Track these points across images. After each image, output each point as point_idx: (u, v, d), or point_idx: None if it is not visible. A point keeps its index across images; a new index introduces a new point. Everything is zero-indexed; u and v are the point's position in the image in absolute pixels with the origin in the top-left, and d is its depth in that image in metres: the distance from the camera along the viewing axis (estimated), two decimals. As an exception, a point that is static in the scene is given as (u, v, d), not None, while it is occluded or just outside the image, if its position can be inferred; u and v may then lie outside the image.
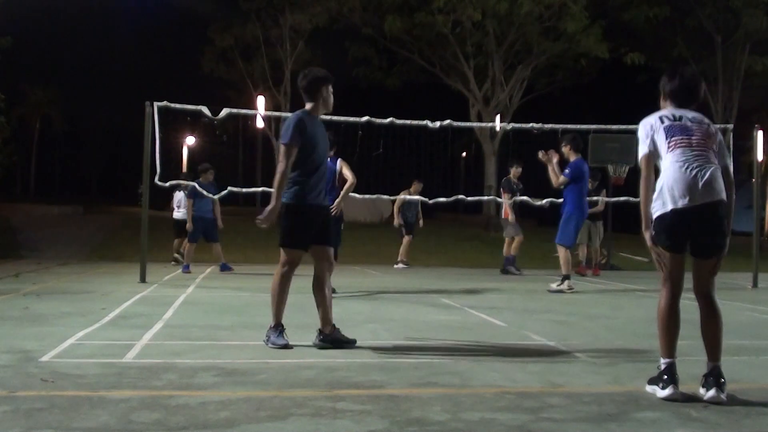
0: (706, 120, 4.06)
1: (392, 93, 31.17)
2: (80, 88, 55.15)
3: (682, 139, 3.90)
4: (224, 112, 11.05)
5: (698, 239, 3.89)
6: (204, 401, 3.62)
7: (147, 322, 6.27)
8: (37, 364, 4.45)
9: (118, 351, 4.88)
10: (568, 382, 4.23)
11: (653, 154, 3.96)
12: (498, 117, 27.97)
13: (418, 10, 26.74)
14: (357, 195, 12.61)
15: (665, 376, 3.84)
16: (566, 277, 9.73)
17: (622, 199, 12.78)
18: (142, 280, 10.04)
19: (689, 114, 4.03)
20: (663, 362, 3.90)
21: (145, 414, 3.37)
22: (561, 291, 9.59)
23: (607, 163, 14.54)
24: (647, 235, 3.95)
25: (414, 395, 3.82)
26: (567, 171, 9.62)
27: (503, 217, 13.52)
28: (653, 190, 3.91)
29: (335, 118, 11.53)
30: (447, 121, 11.92)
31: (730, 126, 15.67)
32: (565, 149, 9.88)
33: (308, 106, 5.33)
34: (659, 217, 3.89)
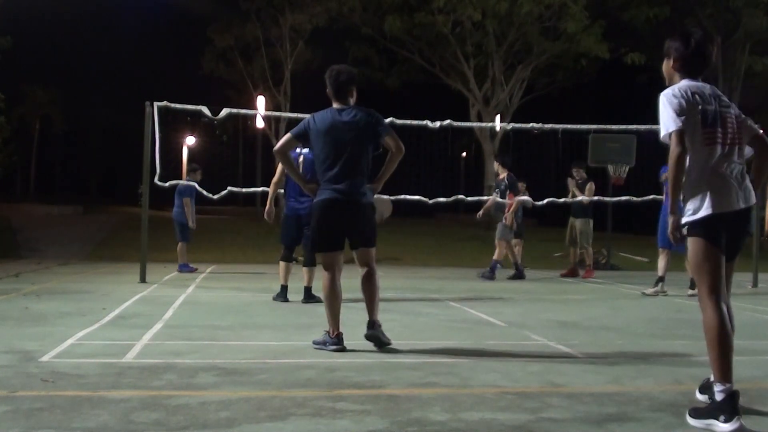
0: (725, 100, 3.68)
1: (392, 93, 31.15)
2: (80, 88, 55.04)
3: (719, 132, 3.54)
4: (224, 112, 11.05)
5: (730, 241, 3.56)
6: (204, 401, 3.62)
7: (147, 322, 6.27)
8: (37, 364, 4.45)
9: (118, 351, 4.88)
10: (568, 382, 4.23)
11: (685, 130, 3.47)
12: (498, 117, 27.98)
13: (418, 10, 26.72)
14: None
15: (729, 406, 3.23)
16: (661, 279, 9.58)
17: (623, 199, 12.73)
18: (142, 280, 10.05)
19: (714, 91, 3.64)
20: (721, 389, 3.27)
21: (145, 414, 3.37)
22: (656, 294, 9.47)
23: (607, 163, 14.52)
24: (671, 221, 3.49)
25: (414, 395, 3.82)
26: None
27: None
28: (684, 173, 3.52)
29: (335, 118, 11.54)
30: (447, 121, 11.94)
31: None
32: None
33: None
34: (701, 219, 3.49)
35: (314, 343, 5.17)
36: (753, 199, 3.60)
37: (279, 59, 32.34)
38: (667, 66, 3.76)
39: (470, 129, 27.39)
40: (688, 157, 3.52)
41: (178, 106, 10.66)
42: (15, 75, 39.76)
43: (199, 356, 4.78)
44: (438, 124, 11.80)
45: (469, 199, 13.30)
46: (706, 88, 3.64)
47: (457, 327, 6.46)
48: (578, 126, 12.47)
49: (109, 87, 55.09)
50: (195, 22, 36.66)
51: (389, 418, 3.36)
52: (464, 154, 46.28)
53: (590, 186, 12.44)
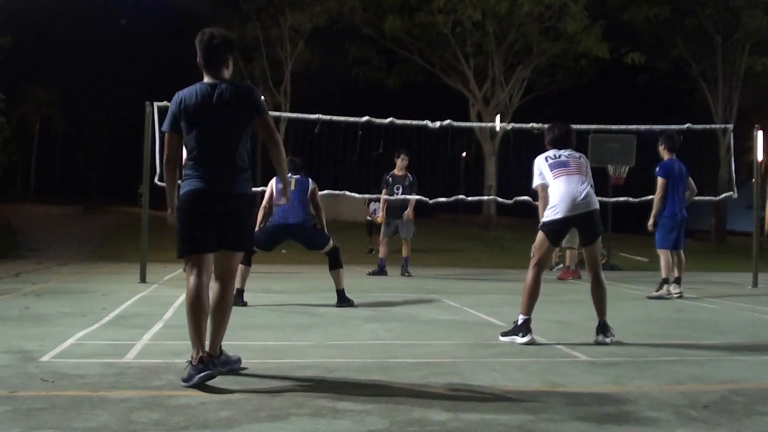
0: (577, 154, 5.83)
1: (392, 93, 31.13)
2: (80, 88, 54.87)
3: (562, 170, 5.67)
4: (224, 112, 11.02)
5: (585, 234, 5.72)
6: (204, 401, 3.62)
7: (147, 322, 6.27)
8: (37, 364, 4.45)
9: (118, 351, 4.88)
10: (568, 382, 4.23)
11: (545, 184, 5.69)
12: (498, 117, 27.97)
13: (418, 10, 26.72)
14: (357, 194, 12.64)
15: (525, 328, 5.44)
16: (665, 281, 9.11)
17: (621, 199, 12.70)
18: (142, 280, 10.04)
19: (566, 152, 5.81)
20: (522, 317, 5.47)
21: (145, 414, 3.37)
22: (661, 297, 8.95)
23: (607, 163, 14.51)
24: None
25: (414, 395, 3.82)
26: (658, 170, 9.24)
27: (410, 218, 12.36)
28: (547, 205, 5.66)
29: (335, 118, 11.55)
30: (447, 121, 11.94)
31: (730, 126, 15.68)
32: (660, 148, 9.58)
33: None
34: (553, 221, 5.57)
35: (182, 380, 3.92)
36: (593, 206, 5.58)
37: (279, 59, 32.29)
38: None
39: (470, 129, 27.38)
40: (549, 187, 5.67)
41: (178, 106, 10.64)
42: (15, 75, 39.74)
43: (199, 356, 4.76)
44: (438, 124, 11.79)
45: (469, 199, 13.31)
46: (563, 152, 5.82)
47: (457, 327, 6.46)
48: (578, 126, 12.46)
49: (109, 87, 54.96)
50: (195, 22, 36.65)
51: (389, 418, 3.36)
52: (464, 154, 46.30)
53: None
